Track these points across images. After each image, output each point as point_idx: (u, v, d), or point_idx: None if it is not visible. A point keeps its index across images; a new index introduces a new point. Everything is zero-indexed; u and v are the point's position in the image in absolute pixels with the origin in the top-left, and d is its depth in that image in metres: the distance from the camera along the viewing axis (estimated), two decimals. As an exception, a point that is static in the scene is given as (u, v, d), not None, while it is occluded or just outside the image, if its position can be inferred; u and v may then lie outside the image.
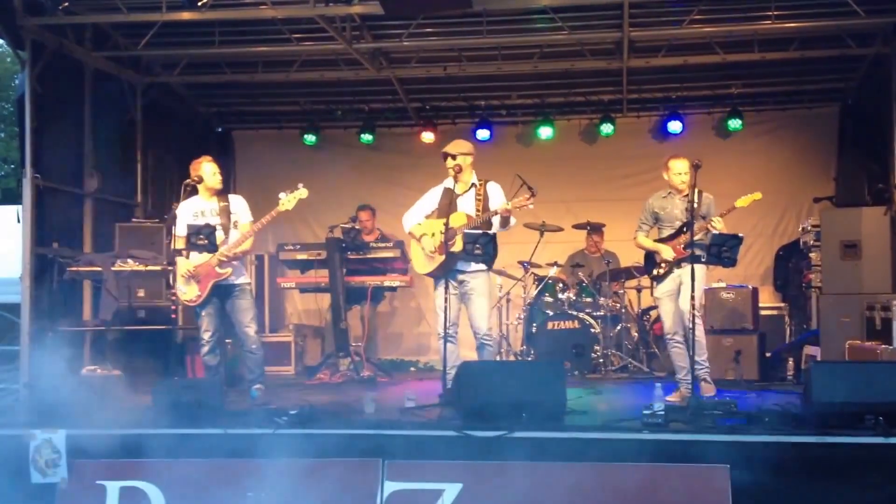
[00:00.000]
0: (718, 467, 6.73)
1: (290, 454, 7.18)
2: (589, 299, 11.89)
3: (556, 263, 12.12)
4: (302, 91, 13.78)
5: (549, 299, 11.93)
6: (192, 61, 12.44)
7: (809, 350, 10.64)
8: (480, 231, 8.45)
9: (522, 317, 12.06)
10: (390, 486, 7.04)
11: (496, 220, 8.72)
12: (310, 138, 14.22)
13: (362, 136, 14.17)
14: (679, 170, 8.91)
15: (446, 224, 8.50)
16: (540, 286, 11.99)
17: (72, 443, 7.36)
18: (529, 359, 11.47)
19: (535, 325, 11.65)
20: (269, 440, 7.27)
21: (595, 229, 12.61)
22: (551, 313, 11.67)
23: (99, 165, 11.58)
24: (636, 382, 10.95)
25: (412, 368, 13.39)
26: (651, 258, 9.14)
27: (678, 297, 8.83)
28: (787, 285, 12.68)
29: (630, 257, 12.40)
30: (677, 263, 8.81)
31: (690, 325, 8.50)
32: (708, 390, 8.77)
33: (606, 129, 13.50)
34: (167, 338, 10.74)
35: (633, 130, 13.93)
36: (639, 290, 12.35)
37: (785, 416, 7.29)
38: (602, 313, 11.76)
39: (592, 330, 11.44)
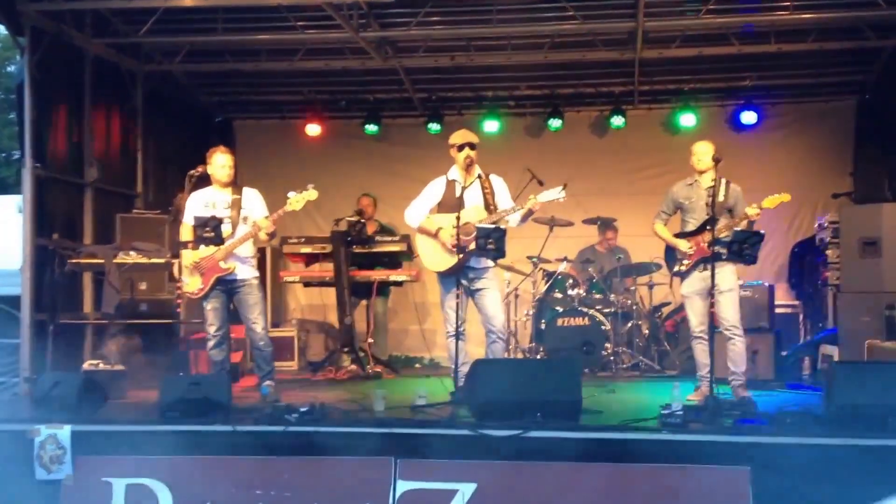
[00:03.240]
0: (739, 469, 6.56)
1: (299, 452, 7.05)
2: (599, 296, 11.70)
3: (565, 259, 11.90)
4: (305, 80, 13.58)
5: (559, 295, 11.72)
6: (193, 49, 12.20)
7: (826, 349, 10.44)
8: (494, 226, 8.22)
9: (531, 313, 11.87)
10: (403, 486, 6.89)
11: (515, 216, 8.51)
12: (313, 129, 13.98)
13: (367, 126, 13.91)
14: (698, 151, 8.67)
15: (458, 219, 8.25)
16: (549, 282, 11.77)
17: (77, 439, 7.18)
18: (539, 356, 11.27)
19: (543, 321, 11.45)
20: (279, 437, 7.11)
21: (606, 224, 12.42)
22: (561, 310, 11.46)
23: (99, 155, 11.35)
24: (649, 381, 10.80)
25: (417, 365, 13.22)
26: (672, 252, 8.90)
27: (709, 298, 8.44)
28: (802, 283, 12.49)
29: (643, 252, 12.24)
30: (703, 263, 8.46)
31: (729, 336, 8.50)
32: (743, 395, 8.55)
33: (617, 121, 13.29)
34: (170, 332, 10.58)
35: (644, 123, 13.72)
36: (650, 287, 12.13)
37: (806, 418, 7.07)
38: (613, 310, 11.56)
39: (603, 327, 11.24)
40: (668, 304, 12.49)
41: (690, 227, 8.72)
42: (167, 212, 10.77)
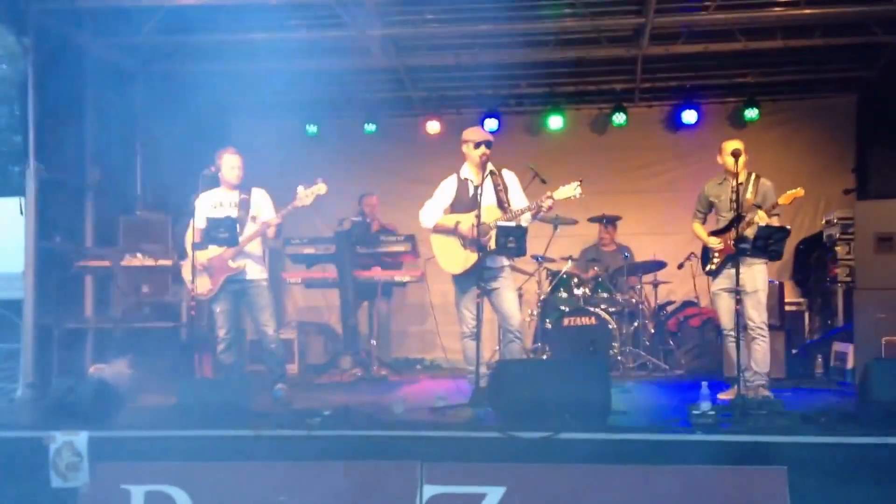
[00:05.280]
0: (776, 469, 6.47)
1: (322, 456, 6.92)
2: (605, 294, 11.56)
3: (570, 257, 11.77)
4: (303, 80, 13.32)
5: (564, 295, 11.58)
6: (193, 49, 12.00)
7: (838, 346, 10.38)
8: (515, 224, 8.10)
9: (535, 313, 11.73)
10: (430, 490, 6.76)
11: (529, 214, 8.38)
12: (311, 129, 13.84)
13: (366, 126, 13.77)
14: (728, 151, 8.53)
15: (478, 217, 8.11)
16: (554, 281, 11.64)
17: (94, 445, 7.01)
18: (544, 356, 11.13)
19: (549, 321, 11.30)
20: (301, 442, 7.00)
21: (610, 222, 12.32)
22: (567, 309, 11.30)
23: (99, 156, 11.15)
24: (659, 380, 10.75)
25: (418, 366, 13.08)
26: (707, 251, 8.89)
27: (738, 298, 8.34)
28: (808, 280, 12.41)
29: (646, 251, 12.19)
30: (731, 260, 8.38)
31: (753, 336, 8.48)
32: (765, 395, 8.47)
33: (619, 119, 13.20)
34: (174, 335, 10.44)
35: (645, 121, 13.65)
36: (655, 285, 12.05)
37: (842, 416, 7.01)
38: (618, 309, 11.45)
39: (609, 326, 11.09)
40: (672, 302, 12.43)
41: (722, 225, 8.70)
42: (183, 212, 10.56)
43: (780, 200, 8.50)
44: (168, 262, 9.87)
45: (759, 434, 6.73)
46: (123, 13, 10.87)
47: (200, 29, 11.25)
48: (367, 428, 7.17)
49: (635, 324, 11.62)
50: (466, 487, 6.75)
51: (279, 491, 6.87)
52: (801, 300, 12.09)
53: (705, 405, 7.15)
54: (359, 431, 7.07)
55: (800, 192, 8.50)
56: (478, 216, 8.07)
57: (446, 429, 7.13)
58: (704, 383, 7.51)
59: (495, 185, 8.54)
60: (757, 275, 8.51)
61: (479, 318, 8.22)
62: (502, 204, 8.48)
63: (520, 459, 6.74)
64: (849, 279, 10.91)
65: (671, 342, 11.76)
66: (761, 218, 8.34)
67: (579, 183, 8.32)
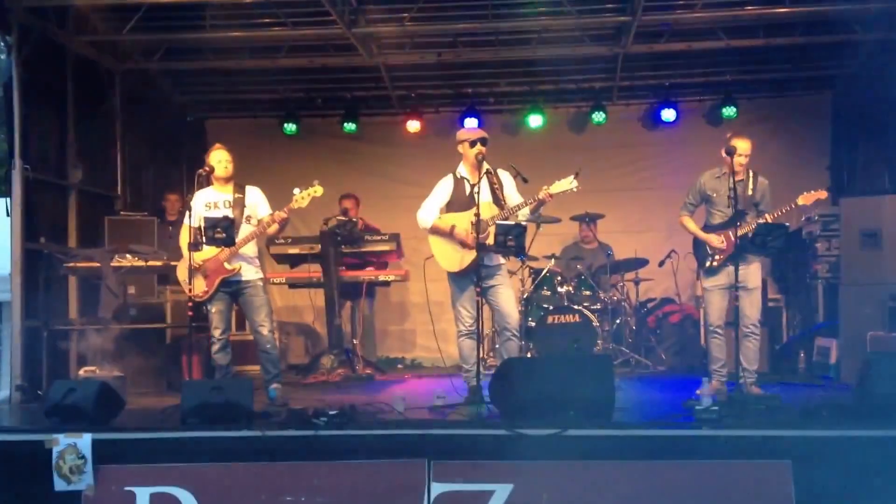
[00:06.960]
0: (780, 463, 6.55)
1: (328, 456, 6.92)
2: (588, 292, 11.58)
3: (553, 256, 11.80)
4: (282, 79, 13.25)
5: (547, 293, 11.60)
6: (172, 47, 11.91)
7: (821, 342, 10.51)
8: (514, 222, 8.10)
9: (518, 311, 11.72)
10: (438, 488, 6.79)
11: (526, 210, 8.39)
12: (290, 127, 13.72)
13: (345, 125, 13.64)
14: (742, 150, 8.53)
15: (477, 215, 8.09)
16: (538, 279, 11.66)
17: (98, 447, 6.94)
18: (528, 354, 11.13)
19: (532, 319, 11.31)
20: (307, 442, 6.97)
21: (592, 220, 12.36)
22: (550, 307, 11.32)
23: (80, 155, 11.04)
24: (644, 377, 10.86)
25: (399, 366, 13.06)
26: (701, 247, 8.78)
27: (734, 294, 8.37)
28: (786, 277, 12.52)
29: (625, 248, 12.23)
30: (733, 257, 8.36)
31: (746, 333, 8.47)
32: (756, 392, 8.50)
33: (598, 117, 13.22)
34: (161, 336, 10.37)
35: (623, 119, 13.70)
36: (636, 283, 12.11)
37: (841, 410, 7.07)
38: (601, 307, 11.48)
39: (593, 324, 11.11)
40: (653, 299, 12.51)
41: (716, 220, 8.69)
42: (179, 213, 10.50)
43: (801, 200, 8.55)
44: (158, 263, 9.79)
45: (764, 429, 6.80)
46: (102, 11, 10.80)
47: (181, 27, 11.20)
48: (374, 427, 7.16)
49: (618, 321, 11.66)
50: (474, 485, 6.78)
51: (285, 492, 6.87)
52: (779, 297, 12.20)
53: (707, 400, 7.20)
54: (366, 431, 7.05)
55: (823, 194, 8.60)
56: (477, 214, 8.04)
57: (454, 427, 7.14)
58: (705, 378, 7.58)
59: (491, 184, 8.54)
60: (756, 272, 8.60)
61: (478, 317, 8.21)
62: (498, 201, 8.48)
63: (527, 457, 6.75)
64: (829, 275, 11.05)
65: (652, 339, 11.83)
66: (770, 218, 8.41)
67: (575, 176, 8.31)
